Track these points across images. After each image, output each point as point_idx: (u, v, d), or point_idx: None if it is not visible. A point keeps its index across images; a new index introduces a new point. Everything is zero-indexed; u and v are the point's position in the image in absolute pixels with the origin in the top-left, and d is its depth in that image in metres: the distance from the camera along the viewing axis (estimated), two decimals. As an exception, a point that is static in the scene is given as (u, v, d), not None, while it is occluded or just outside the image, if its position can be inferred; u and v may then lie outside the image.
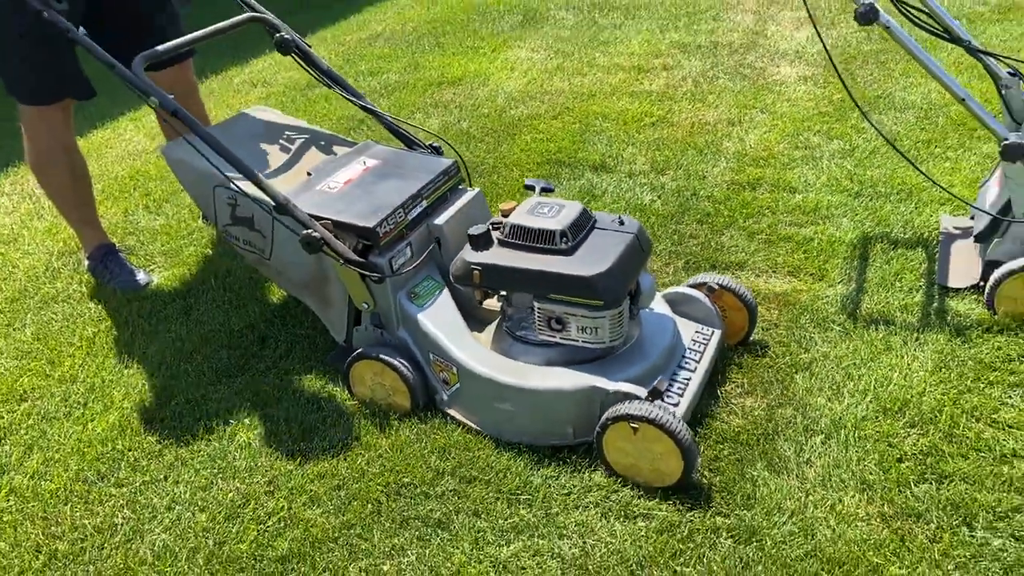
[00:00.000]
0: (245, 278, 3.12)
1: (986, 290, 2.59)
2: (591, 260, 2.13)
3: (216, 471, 2.25)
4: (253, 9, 2.71)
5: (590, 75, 4.89)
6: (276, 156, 2.67)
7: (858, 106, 2.88)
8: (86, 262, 3.26)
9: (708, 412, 2.30)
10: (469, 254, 2.24)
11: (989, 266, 2.63)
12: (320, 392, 2.50)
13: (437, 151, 2.73)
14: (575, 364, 2.21)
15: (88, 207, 3.23)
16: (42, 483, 2.28)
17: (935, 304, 2.67)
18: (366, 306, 2.36)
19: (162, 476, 2.26)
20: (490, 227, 2.26)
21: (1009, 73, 2.80)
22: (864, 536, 1.92)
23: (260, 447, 2.31)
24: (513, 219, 2.23)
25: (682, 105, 4.39)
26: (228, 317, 2.91)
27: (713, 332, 2.42)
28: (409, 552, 1.97)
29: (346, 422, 2.37)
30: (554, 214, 2.21)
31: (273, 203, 2.25)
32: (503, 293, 2.31)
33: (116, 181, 4.11)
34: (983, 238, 2.71)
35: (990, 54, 2.77)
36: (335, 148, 2.75)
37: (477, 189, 2.61)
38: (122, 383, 2.64)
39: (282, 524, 2.07)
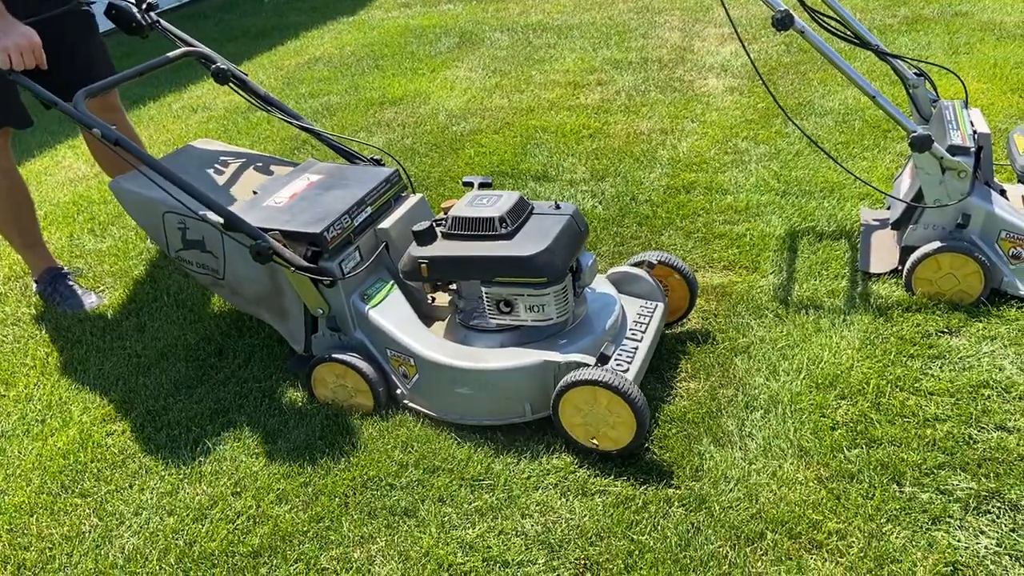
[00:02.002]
0: (198, 294, 3.15)
1: (904, 273, 2.80)
2: (530, 241, 2.24)
3: (181, 477, 2.28)
4: (188, 44, 2.80)
5: (528, 92, 5.05)
6: (222, 180, 2.75)
7: (782, 110, 3.08)
8: (34, 286, 3.24)
9: (656, 396, 2.43)
10: (415, 249, 2.33)
11: (906, 251, 2.84)
12: (281, 397, 2.56)
13: (378, 163, 2.84)
14: (527, 345, 2.32)
15: (31, 231, 3.21)
16: (4, 498, 2.28)
17: (859, 288, 2.87)
18: (321, 311, 2.42)
19: (127, 484, 2.28)
20: (433, 223, 2.36)
21: (915, 74, 3.05)
22: (803, 497, 2.06)
23: (224, 452, 2.35)
24: (454, 212, 2.34)
25: (617, 117, 4.58)
26: (183, 332, 2.93)
27: (656, 305, 2.56)
28: (378, 539, 2.04)
29: (308, 424, 2.43)
30: (492, 203, 2.33)
31: (221, 220, 2.32)
32: (452, 286, 2.41)
33: (59, 207, 4.09)
34: (899, 225, 2.92)
35: (897, 56, 3.01)
36: (279, 169, 2.84)
37: (420, 195, 2.71)
38: (80, 399, 2.65)
39: (251, 522, 2.12)
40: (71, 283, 3.20)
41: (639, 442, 2.16)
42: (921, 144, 2.62)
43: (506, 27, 6.44)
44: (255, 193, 2.59)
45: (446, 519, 2.07)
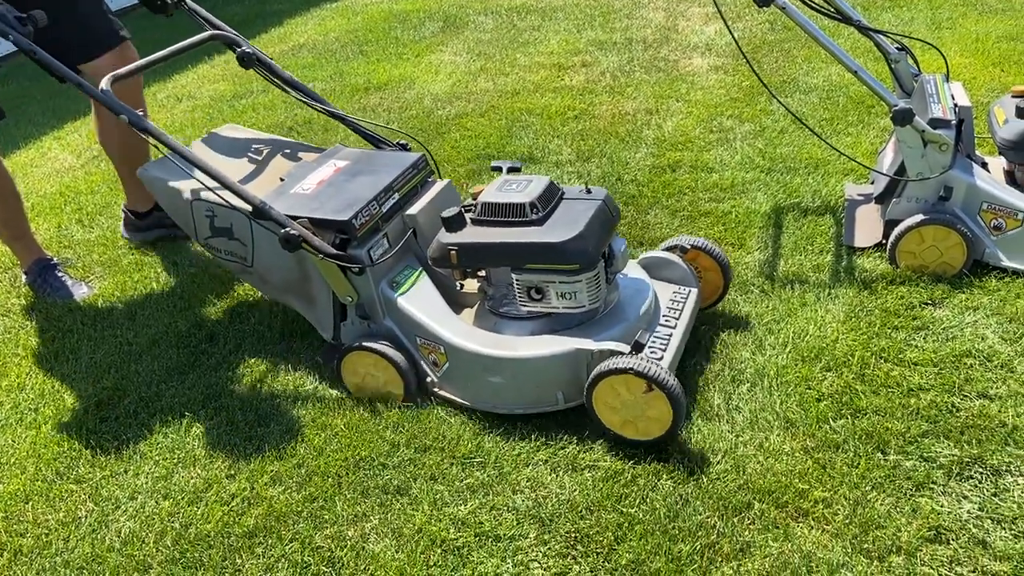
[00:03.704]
0: (187, 282, 3.16)
1: (888, 247, 2.83)
2: (562, 227, 2.20)
3: (176, 461, 2.30)
4: (214, 26, 2.74)
5: (512, 74, 5.05)
6: (248, 167, 2.71)
7: (766, 87, 3.10)
8: (23, 277, 3.24)
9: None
10: (444, 236, 2.29)
11: (889, 225, 2.87)
12: (273, 382, 2.57)
13: (405, 148, 2.78)
14: (558, 332, 2.29)
15: (18, 222, 3.21)
16: (0, 486, 2.30)
17: (843, 263, 2.90)
18: (350, 299, 2.39)
19: (122, 470, 2.30)
20: (462, 209, 2.33)
21: (897, 48, 3.07)
22: (789, 467, 2.10)
23: (218, 436, 2.37)
24: (484, 198, 2.30)
25: (602, 98, 4.59)
26: (174, 319, 2.94)
27: (690, 291, 2.52)
28: (372, 517, 2.06)
29: (300, 407, 2.45)
30: (522, 188, 2.29)
31: (250, 208, 2.30)
32: (482, 273, 2.38)
33: (46, 198, 4.08)
34: (882, 199, 2.95)
35: (879, 32, 3.02)
36: (306, 155, 2.79)
37: (447, 180, 2.65)
38: (72, 388, 2.66)
39: (246, 503, 2.14)
40: (60, 274, 3.20)
41: (675, 431, 2.13)
42: (903, 118, 2.65)
43: (490, 10, 6.42)
44: (282, 180, 2.56)
45: (438, 496, 2.10)
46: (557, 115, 4.39)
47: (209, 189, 2.39)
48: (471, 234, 2.28)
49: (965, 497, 1.99)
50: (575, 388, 2.23)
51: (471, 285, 2.53)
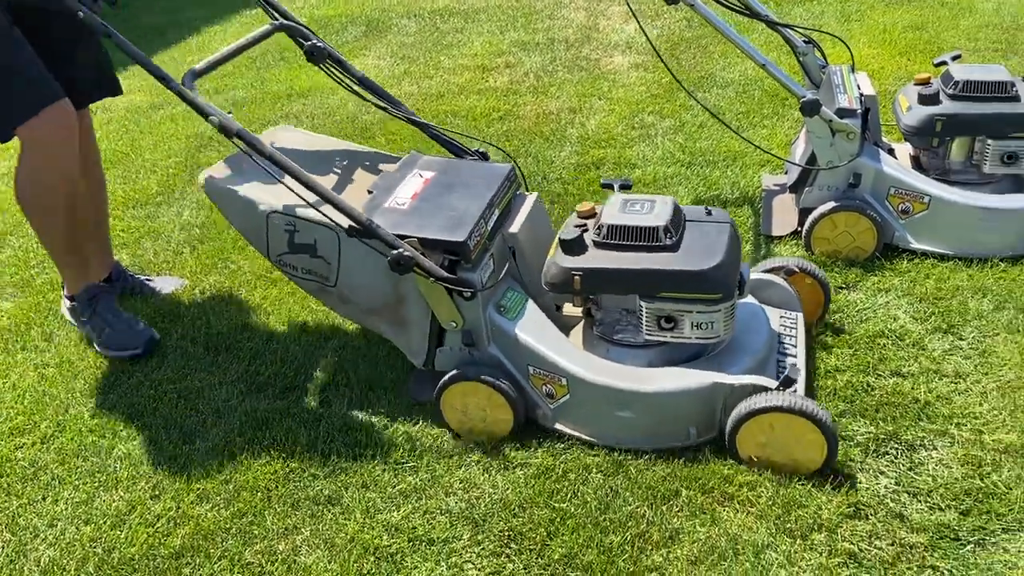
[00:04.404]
0: (106, 300, 3.06)
1: (803, 234, 2.92)
2: (700, 254, 2.08)
3: (97, 485, 2.23)
4: (285, 17, 2.51)
5: (437, 77, 5.04)
6: (331, 177, 2.49)
7: (682, 85, 3.17)
8: (65, 303, 2.87)
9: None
10: (565, 260, 2.14)
11: (803, 213, 2.96)
12: (197, 398, 2.51)
13: (484, 157, 2.61)
14: (679, 363, 2.19)
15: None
16: (-94, 524, 2.19)
17: (762, 251, 2.98)
18: (453, 325, 2.23)
19: (40, 497, 2.21)
20: (581, 231, 2.18)
21: (804, 41, 3.17)
22: (714, 453, 2.14)
23: (141, 456, 2.31)
24: (607, 219, 2.14)
25: (526, 98, 4.62)
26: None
27: (797, 315, 2.39)
28: (303, 529, 2.03)
29: (227, 422, 2.39)
30: (650, 210, 2.15)
31: (357, 225, 2.13)
32: (591, 297, 2.25)
33: (-50, 219, 3.89)
34: (796, 188, 3.05)
35: (786, 25, 3.12)
36: (381, 163, 2.58)
37: (536, 194, 2.52)
38: (-18, 415, 2.55)
39: (172, 524, 2.08)
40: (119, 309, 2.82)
41: (828, 466, 2.03)
42: (810, 108, 2.73)
43: (413, 13, 6.40)
44: (370, 193, 2.36)
45: (370, 504, 2.08)
46: (482, 116, 4.39)
47: (308, 204, 2.17)
48: (597, 258, 2.12)
49: (882, 473, 2.07)
50: (708, 422, 2.13)
51: (569, 308, 2.43)
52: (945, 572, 1.81)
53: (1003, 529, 1.89)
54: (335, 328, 2.77)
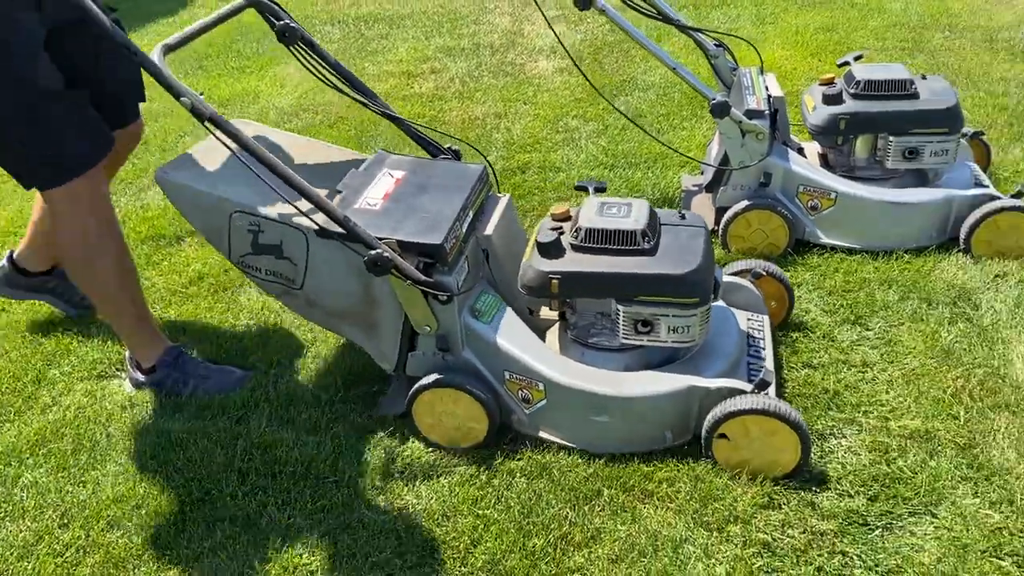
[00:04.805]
0: (5, 324, 2.94)
1: (720, 232, 2.98)
2: (677, 258, 2.09)
3: (2, 515, 2.13)
4: None
5: (361, 85, 5.00)
6: (298, 175, 2.26)
7: (599, 92, 3.21)
8: (137, 377, 2.56)
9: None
10: (542, 263, 2.13)
11: (719, 212, 3.02)
12: (107, 421, 2.43)
13: (457, 155, 2.54)
14: (654, 366, 2.19)
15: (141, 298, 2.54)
16: None
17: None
18: (428, 329, 2.18)
19: (-62, 533, 2.11)
20: (559, 233, 2.16)
21: (715, 45, 3.24)
22: (635, 451, 2.17)
23: (48, 483, 2.22)
24: (585, 223, 2.14)
25: (452, 104, 4.62)
26: (-4, 363, 2.73)
27: (763, 318, 2.41)
28: (219, 553, 1.98)
29: (138, 445, 2.32)
30: (626, 213, 2.15)
31: (338, 224, 2.04)
32: (567, 301, 2.23)
33: None
34: (711, 188, 3.11)
35: (697, 29, 3.18)
36: (347, 161, 2.47)
37: (508, 195, 2.49)
38: None
39: (81, 553, 2.01)
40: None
41: (801, 467, 2.04)
42: (720, 110, 2.80)
43: (337, 20, 6.34)
44: (339, 192, 2.25)
45: (291, 522, 2.04)
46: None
47: (282, 201, 2.06)
48: (575, 262, 2.12)
49: (795, 463, 2.12)
50: (683, 425, 2.14)
51: (545, 311, 2.40)
52: (854, 557, 1.86)
53: (909, 512, 1.96)
54: (254, 344, 2.71)
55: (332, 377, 2.52)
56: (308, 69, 2.36)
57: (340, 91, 2.42)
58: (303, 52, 2.35)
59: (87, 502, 2.15)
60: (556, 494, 2.07)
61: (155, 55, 1.95)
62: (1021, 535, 1.88)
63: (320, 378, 2.51)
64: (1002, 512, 1.94)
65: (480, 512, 2.04)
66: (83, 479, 2.23)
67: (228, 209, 2.21)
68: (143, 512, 2.11)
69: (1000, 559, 1.83)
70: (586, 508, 2.03)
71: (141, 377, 2.52)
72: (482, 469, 2.16)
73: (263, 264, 2.27)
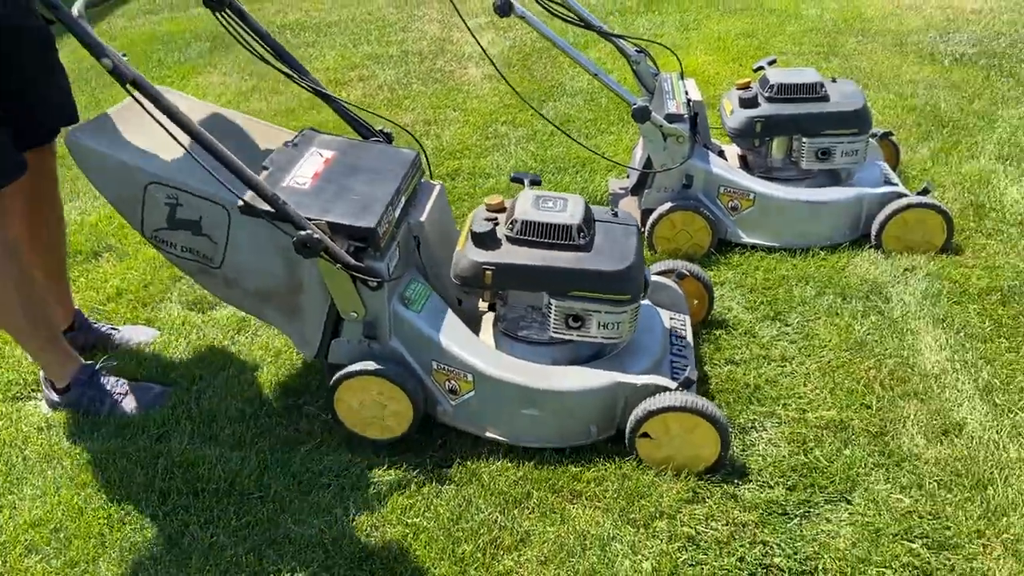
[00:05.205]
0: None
1: (646, 234, 3.04)
2: (612, 255, 2.10)
3: (-94, 549, 2.05)
4: None
5: (287, 92, 4.94)
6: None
7: (523, 99, 3.23)
8: (53, 398, 2.47)
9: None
10: (477, 253, 2.11)
11: (645, 214, 3.08)
12: (21, 442, 2.34)
13: (389, 138, 2.46)
14: (581, 362, 2.20)
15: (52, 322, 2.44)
16: None
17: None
18: (354, 315, 2.13)
19: None
20: (494, 224, 2.15)
21: (636, 51, 3.30)
22: (562, 453, 2.19)
23: (-42, 512, 2.14)
24: (521, 215, 2.13)
25: (381, 111, 4.59)
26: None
27: (685, 318, 2.45)
28: (140, 574, 1.93)
29: (55, 466, 2.25)
30: (563, 208, 2.15)
31: (267, 202, 1.94)
32: (500, 293, 2.21)
33: None
34: (637, 191, 3.17)
35: (618, 36, 3.24)
36: (271, 135, 2.37)
37: (441, 183, 2.45)
38: None
39: (-6, 582, 1.94)
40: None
41: (721, 462, 2.09)
42: (641, 115, 2.85)
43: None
44: (265, 169, 2.14)
45: (214, 540, 2.00)
46: (336, 131, 4.28)
47: (207, 174, 1.89)
48: (510, 254, 2.11)
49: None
50: (608, 420, 2.16)
51: (471, 302, 2.38)
52: (774, 546, 1.92)
53: (825, 500, 2.03)
54: (175, 360, 2.65)
55: (256, 390, 2.48)
56: (236, 38, 2.24)
57: (268, 63, 2.31)
58: (230, 20, 2.23)
59: (3, 527, 2.07)
60: (485, 499, 2.07)
61: (75, 10, 1.80)
62: (930, 518, 1.96)
63: (243, 392, 2.47)
64: (912, 496, 2.02)
65: (409, 521, 2.03)
66: (-4, 505, 2.15)
67: (143, 180, 2.08)
68: (61, 536, 2.04)
69: (911, 541, 1.91)
70: (515, 511, 2.04)
71: (56, 397, 2.45)
72: (411, 477, 2.15)
73: (179, 240, 2.16)
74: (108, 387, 2.44)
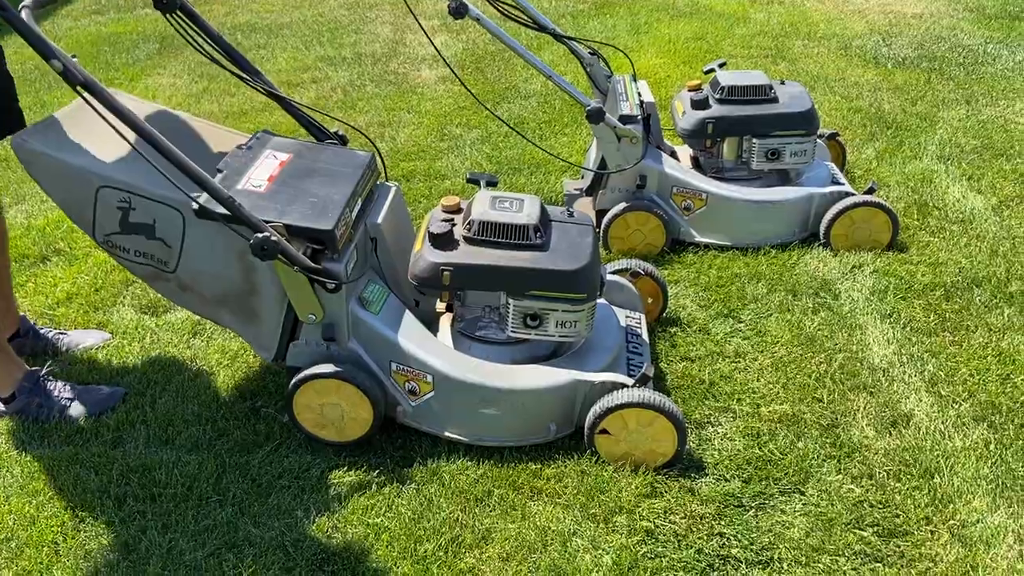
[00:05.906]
0: None
1: (601, 234, 3.08)
2: (568, 254, 2.12)
3: None
4: None
5: (239, 94, 4.88)
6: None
7: (479, 101, 3.24)
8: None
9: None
10: (434, 254, 2.12)
11: (600, 214, 3.12)
12: (-30, 453, 2.29)
13: (343, 140, 2.45)
14: (539, 360, 2.22)
15: None
16: None
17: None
18: (313, 318, 2.11)
19: None
20: (451, 225, 2.16)
21: (590, 53, 3.34)
22: (523, 451, 2.21)
23: (-99, 525, 2.07)
24: (478, 216, 2.14)
25: (335, 114, 4.56)
26: None
27: (641, 316, 2.48)
28: (96, 582, 1.90)
29: (4, 473, 2.19)
30: (519, 208, 2.17)
31: (222, 205, 1.91)
32: (457, 293, 2.20)
33: None
34: (591, 192, 3.21)
35: (572, 38, 3.27)
36: (223, 137, 2.34)
37: (397, 184, 2.45)
38: None
39: (-59, 595, 1.89)
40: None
41: (679, 456, 2.12)
42: (596, 116, 2.89)
43: (213, 29, 6.16)
44: (219, 171, 2.11)
45: (172, 545, 1.97)
46: (289, 133, 4.23)
47: (161, 177, 1.87)
48: (468, 254, 2.12)
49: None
50: (566, 418, 2.19)
51: (427, 303, 2.37)
52: (731, 537, 1.96)
53: (780, 492, 2.08)
54: (130, 364, 2.60)
55: (212, 393, 2.45)
56: (187, 40, 2.20)
57: (221, 66, 2.27)
58: (182, 22, 2.19)
59: (-53, 541, 2.02)
60: (447, 498, 2.08)
61: (23, 12, 1.76)
62: (880, 506, 2.03)
63: (200, 395, 2.44)
64: (863, 486, 2.08)
65: (370, 521, 2.03)
66: (-59, 517, 2.08)
67: (95, 183, 2.05)
68: (13, 545, 1.99)
69: (862, 530, 1.97)
70: (476, 509, 2.05)
71: (1, 407, 2.38)
72: (372, 478, 2.15)
73: (132, 244, 2.13)
74: (55, 392, 2.38)
